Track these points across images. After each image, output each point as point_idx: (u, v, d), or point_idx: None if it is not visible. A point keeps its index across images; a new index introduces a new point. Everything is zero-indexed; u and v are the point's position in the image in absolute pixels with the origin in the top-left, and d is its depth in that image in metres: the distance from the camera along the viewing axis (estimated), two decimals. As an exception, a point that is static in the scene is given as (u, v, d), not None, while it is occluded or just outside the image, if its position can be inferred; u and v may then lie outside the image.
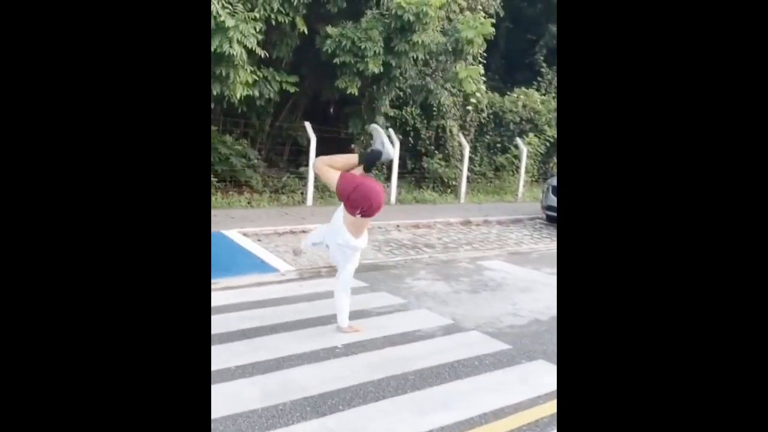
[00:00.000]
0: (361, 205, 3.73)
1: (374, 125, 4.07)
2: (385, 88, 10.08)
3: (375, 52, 9.04)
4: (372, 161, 3.91)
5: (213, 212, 7.82)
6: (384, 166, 11.22)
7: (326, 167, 3.88)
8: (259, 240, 6.67)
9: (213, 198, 8.45)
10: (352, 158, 3.96)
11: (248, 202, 8.74)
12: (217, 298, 4.49)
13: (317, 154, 9.57)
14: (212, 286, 4.83)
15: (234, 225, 7.07)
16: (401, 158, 10.49)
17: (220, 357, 3.38)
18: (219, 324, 3.90)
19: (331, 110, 11.70)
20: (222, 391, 2.99)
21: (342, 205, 3.88)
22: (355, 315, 4.31)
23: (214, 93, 8.20)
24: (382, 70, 9.26)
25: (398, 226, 8.08)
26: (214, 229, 6.78)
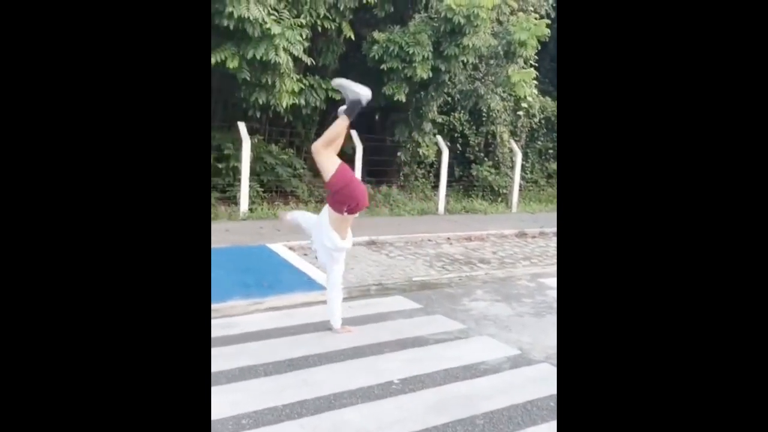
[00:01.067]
0: (348, 202, 3.73)
1: (336, 80, 3.94)
2: (433, 93, 9.72)
3: (423, 56, 8.71)
4: (355, 109, 3.79)
5: (259, 224, 7.62)
6: (431, 174, 10.88)
7: (325, 150, 3.72)
8: (305, 254, 6.40)
9: (259, 208, 8.28)
10: (344, 122, 3.75)
11: (294, 213, 8.52)
12: (262, 321, 4.23)
13: (363, 163, 9.33)
14: (257, 307, 4.58)
15: (280, 238, 6.83)
16: (449, 166, 10.09)
17: (268, 392, 3.08)
18: (266, 352, 3.62)
19: (376, 117, 11.42)
20: (269, 435, 2.69)
21: (326, 208, 3.86)
22: (410, 342, 3.96)
23: (260, 102, 8.04)
24: (430, 76, 8.91)
25: (449, 238, 7.69)
26: (259, 241, 6.56)
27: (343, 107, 3.84)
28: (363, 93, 3.77)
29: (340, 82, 3.87)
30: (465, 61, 9.24)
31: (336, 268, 3.96)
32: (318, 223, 3.93)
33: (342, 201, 3.73)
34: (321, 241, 3.88)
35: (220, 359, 3.46)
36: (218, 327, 4.02)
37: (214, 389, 3.08)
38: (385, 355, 3.73)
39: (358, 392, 3.17)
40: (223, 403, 2.93)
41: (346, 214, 3.77)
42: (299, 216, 4.29)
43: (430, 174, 10.84)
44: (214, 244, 6.17)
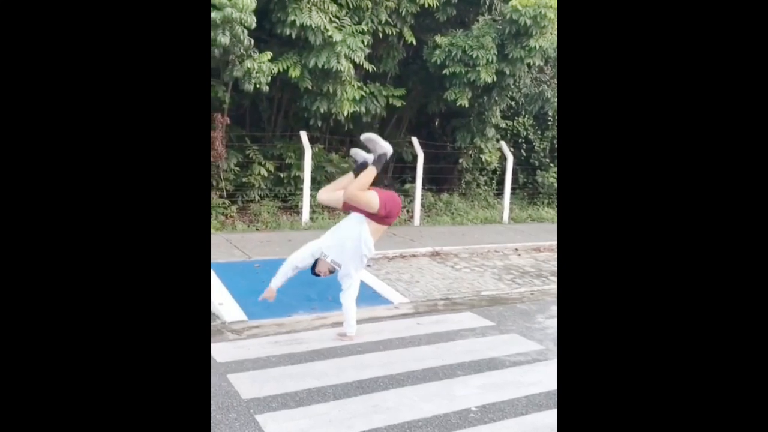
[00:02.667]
0: (395, 213, 4.09)
1: (364, 135, 4.19)
2: (496, 98, 9.41)
3: (488, 60, 8.41)
4: (382, 162, 4.13)
5: (321, 234, 7.51)
6: (494, 182, 10.52)
7: (361, 192, 3.96)
8: (368, 266, 6.23)
9: (320, 218, 8.21)
10: (372, 171, 4.02)
11: (354, 222, 8.40)
12: (329, 337, 4.07)
13: (424, 171, 9.11)
14: (323, 322, 4.43)
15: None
16: (513, 172, 9.71)
17: (337, 419, 2.90)
18: (333, 372, 3.45)
19: (436, 123, 11.18)
20: (341, 469, 2.50)
21: (355, 221, 4.00)
22: (486, 364, 3.69)
23: (322, 111, 7.98)
24: (494, 79, 8.60)
25: (517, 249, 7.34)
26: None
27: (369, 156, 4.15)
28: (388, 149, 4.15)
29: (369, 136, 4.14)
30: (531, 63, 8.87)
31: (359, 275, 4.18)
32: (344, 237, 4.00)
33: (392, 214, 4.05)
34: (358, 252, 4.00)
35: (288, 380, 3.31)
36: (284, 343, 3.90)
37: (282, 413, 2.93)
38: (459, 378, 3.48)
39: (433, 420, 2.94)
40: (294, 429, 2.77)
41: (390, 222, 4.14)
42: (290, 264, 4.10)
43: (493, 181, 10.50)
44: (277, 255, 6.11)
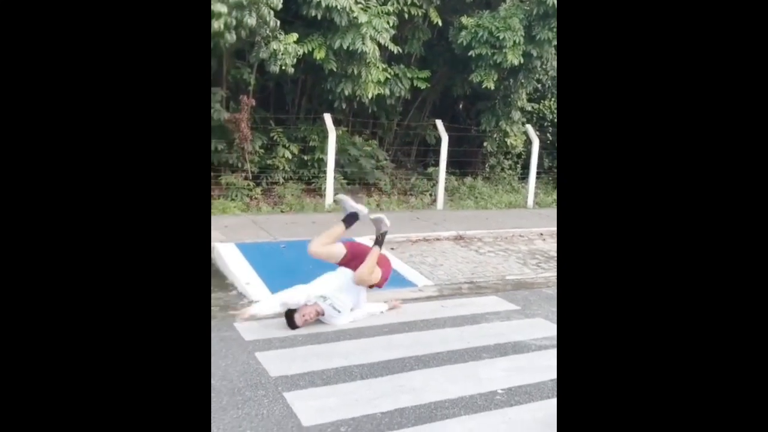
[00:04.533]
0: (387, 277, 4.28)
1: (337, 197, 4.46)
2: (522, 80, 9.26)
3: (514, 41, 8.26)
4: (353, 221, 4.26)
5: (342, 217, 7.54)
6: (519, 166, 10.41)
7: (370, 274, 4.05)
8: (392, 248, 6.24)
9: (343, 201, 8.23)
10: (376, 252, 4.12)
11: (377, 205, 8.40)
12: (355, 318, 4.10)
13: (448, 154, 9.03)
14: (348, 303, 4.46)
15: (366, 231, 6.70)
16: (538, 156, 9.57)
17: (365, 398, 2.93)
18: (359, 353, 3.48)
19: (460, 106, 11.06)
20: (369, 446, 2.54)
21: (349, 280, 4.02)
22: (511, 347, 3.69)
23: (346, 93, 7.94)
24: (521, 61, 8.45)
25: (542, 234, 7.26)
26: (347, 234, 6.47)
27: (356, 206, 4.30)
28: (363, 210, 4.29)
29: (341, 198, 4.35)
30: (559, 45, 8.69)
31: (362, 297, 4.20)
32: (344, 286, 3.99)
33: (383, 282, 4.19)
34: (349, 305, 4.01)
35: (315, 358, 3.36)
36: (311, 323, 3.94)
37: (309, 392, 2.97)
38: (484, 360, 3.48)
39: (459, 402, 2.95)
40: (322, 407, 2.81)
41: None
42: (282, 298, 3.85)
43: (518, 165, 10.38)
44: (302, 236, 6.16)
